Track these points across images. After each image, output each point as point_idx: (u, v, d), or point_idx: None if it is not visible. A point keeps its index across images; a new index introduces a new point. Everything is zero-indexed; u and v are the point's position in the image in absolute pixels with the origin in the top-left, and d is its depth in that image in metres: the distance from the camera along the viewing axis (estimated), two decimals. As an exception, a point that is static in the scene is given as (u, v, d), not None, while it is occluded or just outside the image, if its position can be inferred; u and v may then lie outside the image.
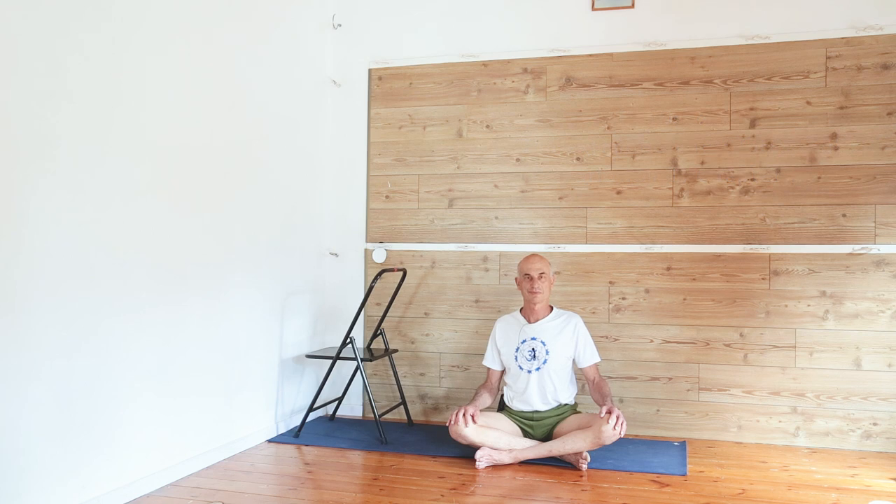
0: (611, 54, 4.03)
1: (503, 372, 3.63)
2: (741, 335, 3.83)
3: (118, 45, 2.78)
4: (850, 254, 3.70)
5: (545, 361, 3.46)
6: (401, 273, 4.10)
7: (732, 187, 3.85)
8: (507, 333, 3.59)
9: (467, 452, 3.41)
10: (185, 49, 3.15)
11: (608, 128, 4.03)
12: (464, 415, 3.32)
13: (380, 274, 3.85)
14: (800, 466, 3.38)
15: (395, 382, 4.17)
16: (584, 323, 3.59)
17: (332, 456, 3.50)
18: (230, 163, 3.47)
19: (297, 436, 3.80)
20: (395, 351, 4.18)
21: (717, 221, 3.87)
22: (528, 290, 3.51)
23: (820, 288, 3.73)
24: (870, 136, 3.69)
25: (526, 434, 3.47)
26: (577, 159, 4.07)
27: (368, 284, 4.11)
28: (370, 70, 4.41)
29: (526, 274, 3.52)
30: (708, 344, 3.87)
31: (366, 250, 4.40)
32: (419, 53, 4.31)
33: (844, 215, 3.71)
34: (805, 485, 3.11)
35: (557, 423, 3.45)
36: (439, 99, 4.29)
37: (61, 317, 2.53)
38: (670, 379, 3.92)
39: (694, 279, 3.89)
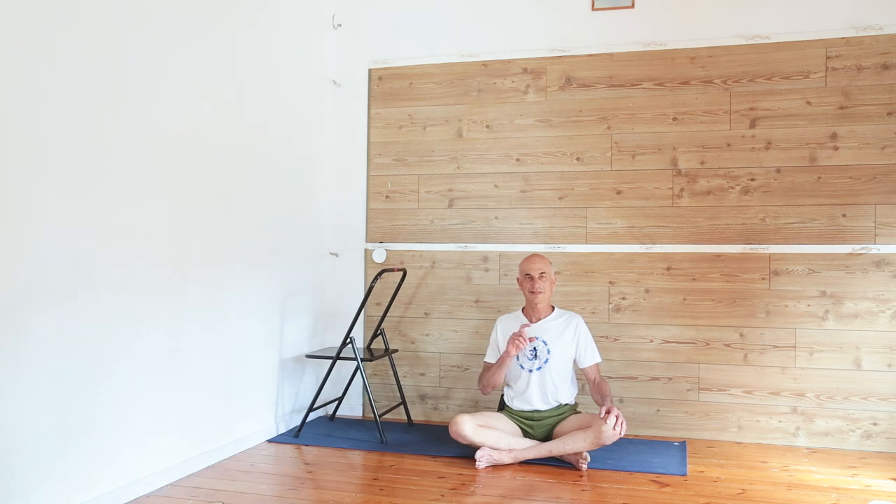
0: (611, 54, 4.03)
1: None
2: (741, 335, 3.83)
3: (118, 44, 2.78)
4: (850, 254, 3.70)
5: (546, 361, 3.46)
6: (401, 273, 4.10)
7: (732, 187, 3.85)
8: (508, 332, 3.59)
9: (467, 452, 3.41)
10: (185, 49, 3.15)
11: (608, 128, 4.03)
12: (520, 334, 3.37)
13: (380, 274, 3.85)
14: (800, 466, 3.38)
15: (395, 382, 4.17)
16: (585, 323, 3.59)
17: (332, 456, 3.50)
18: (230, 163, 3.47)
19: (297, 436, 3.80)
20: (395, 351, 4.18)
21: (717, 221, 3.87)
22: (529, 290, 3.51)
23: (820, 288, 3.73)
24: (870, 136, 3.69)
25: (526, 434, 3.47)
26: (577, 159, 4.07)
27: (368, 284, 4.11)
28: (370, 70, 4.41)
29: (527, 274, 3.52)
30: (708, 344, 3.87)
31: (366, 250, 4.40)
32: (419, 53, 4.31)
33: (844, 215, 3.71)
34: (805, 485, 3.11)
35: (557, 423, 3.45)
36: (439, 99, 4.29)
37: (61, 317, 2.53)
38: (670, 379, 3.92)
39: (694, 279, 3.89)
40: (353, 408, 4.36)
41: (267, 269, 3.80)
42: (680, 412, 3.90)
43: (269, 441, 3.75)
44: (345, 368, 4.22)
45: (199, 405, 3.27)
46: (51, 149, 2.48)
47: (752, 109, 3.83)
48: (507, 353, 3.40)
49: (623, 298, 3.99)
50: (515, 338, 3.37)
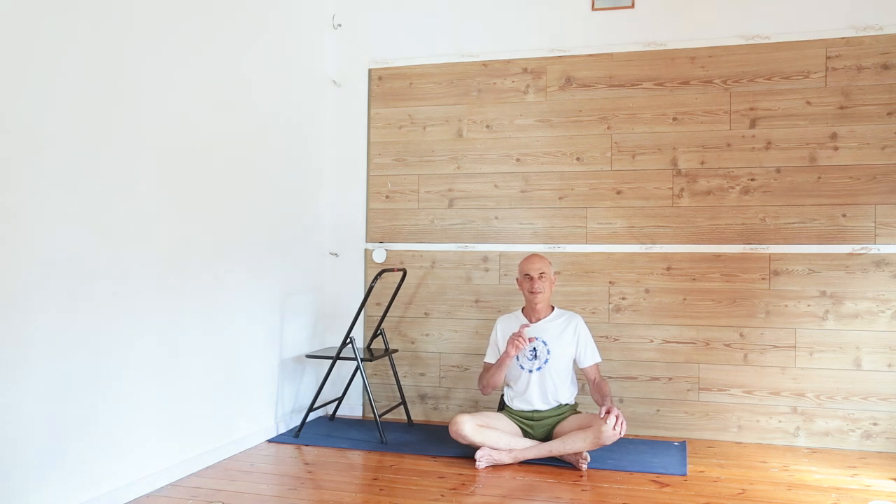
0: (611, 54, 4.03)
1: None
2: (741, 335, 3.83)
3: (117, 44, 2.78)
4: (850, 254, 3.70)
5: (546, 361, 3.46)
6: (401, 273, 4.10)
7: (732, 187, 3.85)
8: (508, 332, 3.58)
9: (467, 452, 3.41)
10: (185, 49, 3.15)
11: (608, 128, 4.03)
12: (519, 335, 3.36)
13: (380, 274, 3.85)
14: (800, 466, 3.38)
15: (395, 382, 4.17)
16: (585, 323, 3.59)
17: (332, 456, 3.50)
18: (230, 163, 3.47)
19: (297, 436, 3.80)
20: (395, 351, 4.18)
21: (717, 221, 3.87)
22: (528, 290, 3.51)
23: (820, 288, 3.73)
24: (870, 136, 3.69)
25: (526, 434, 3.47)
26: (577, 159, 4.07)
27: (368, 284, 4.11)
28: (370, 70, 4.41)
29: (526, 274, 3.51)
30: (708, 344, 3.87)
31: (366, 250, 4.40)
32: (419, 53, 4.31)
33: (844, 215, 3.71)
34: (805, 485, 3.11)
35: (557, 423, 3.45)
36: (439, 99, 4.29)
37: (61, 316, 2.53)
38: (670, 379, 3.92)
39: (694, 279, 3.89)
40: (353, 408, 4.36)
41: (267, 269, 3.80)
42: (680, 412, 3.90)
43: (269, 441, 3.75)
44: (345, 368, 4.22)
45: (199, 405, 3.27)
46: (51, 149, 2.48)
47: (752, 109, 3.83)
48: (506, 353, 3.40)
49: (623, 298, 3.99)
50: (515, 338, 3.37)
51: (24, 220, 2.40)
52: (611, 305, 4.01)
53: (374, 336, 4.16)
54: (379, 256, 4.36)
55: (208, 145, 3.31)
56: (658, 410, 3.93)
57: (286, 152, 3.99)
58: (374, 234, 4.39)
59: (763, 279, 3.80)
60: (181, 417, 3.15)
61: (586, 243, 4.05)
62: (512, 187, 4.16)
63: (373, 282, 3.83)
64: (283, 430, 3.92)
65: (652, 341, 3.95)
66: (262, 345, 3.78)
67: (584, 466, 3.25)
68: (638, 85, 3.99)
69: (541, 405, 3.47)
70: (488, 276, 4.20)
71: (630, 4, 3.99)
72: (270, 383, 3.86)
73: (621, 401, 3.96)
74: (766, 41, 3.81)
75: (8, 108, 2.34)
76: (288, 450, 3.62)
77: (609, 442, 3.21)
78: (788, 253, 3.77)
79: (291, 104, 4.04)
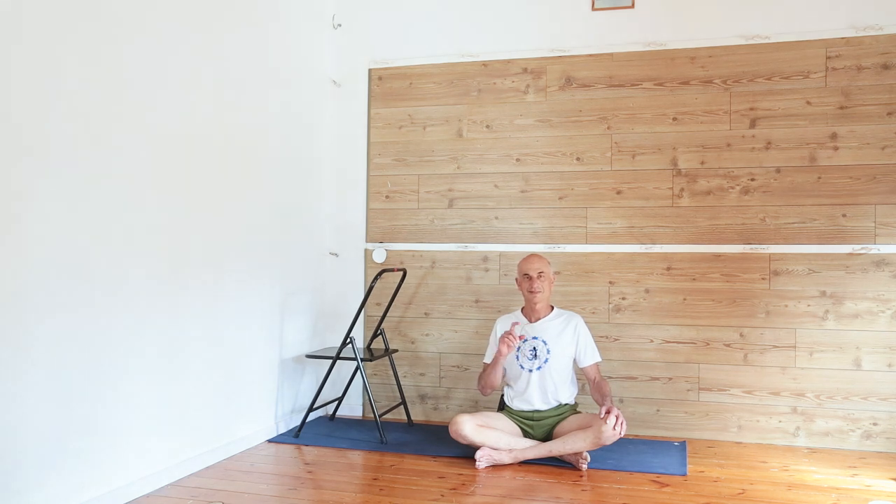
0: (611, 54, 4.03)
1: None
2: (741, 335, 3.83)
3: (117, 44, 2.78)
4: (850, 254, 3.70)
5: (546, 361, 3.46)
6: (401, 273, 4.10)
7: (732, 187, 3.85)
8: (507, 333, 3.59)
9: (467, 452, 3.41)
10: (185, 49, 3.15)
11: (608, 128, 4.03)
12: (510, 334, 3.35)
13: (380, 274, 3.85)
14: (800, 466, 3.38)
15: (395, 382, 4.17)
16: (585, 322, 3.59)
17: (332, 456, 3.50)
18: (230, 163, 3.47)
19: (297, 436, 3.80)
20: (395, 351, 4.18)
21: (717, 221, 3.87)
22: (527, 290, 3.51)
23: (820, 288, 3.73)
24: (870, 136, 3.69)
25: (526, 434, 3.47)
26: (577, 159, 4.07)
27: (368, 284, 4.11)
28: (370, 70, 4.41)
29: (525, 274, 3.52)
30: (708, 344, 3.87)
31: (366, 250, 4.40)
32: (419, 53, 4.31)
33: (844, 215, 3.71)
34: (805, 485, 3.11)
35: (557, 422, 3.45)
36: (439, 99, 4.29)
37: (61, 317, 2.53)
38: (670, 379, 3.92)
39: (694, 279, 3.89)
40: (353, 408, 4.36)
41: (267, 269, 3.80)
42: (680, 412, 3.90)
43: (269, 441, 3.75)
44: (345, 368, 4.22)
45: (199, 405, 3.27)
46: (52, 151, 2.48)
47: (752, 109, 3.83)
48: (499, 352, 3.40)
49: (623, 298, 3.99)
50: (506, 336, 3.37)
51: (25, 221, 2.39)
52: (611, 305, 4.01)
53: (374, 336, 4.16)
54: (379, 256, 4.36)
55: (208, 146, 3.31)
56: (658, 410, 3.93)
57: (286, 152, 3.99)
58: (374, 234, 4.39)
59: (763, 279, 3.80)
60: (181, 417, 3.15)
61: (586, 243, 4.05)
62: (512, 187, 4.16)
63: (373, 282, 3.83)
64: (283, 430, 3.92)
65: (652, 341, 3.95)
66: (262, 345, 3.78)
67: (584, 466, 3.25)
68: (638, 85, 3.99)
69: (541, 405, 3.47)
70: (488, 276, 4.20)
71: (630, 4, 3.99)
72: (270, 383, 3.86)
73: (621, 401, 3.96)
74: (766, 41, 3.81)
75: (8, 108, 2.33)
76: (288, 450, 3.62)
77: (609, 442, 3.21)
78: (788, 253, 3.77)
79: (291, 104, 4.04)
